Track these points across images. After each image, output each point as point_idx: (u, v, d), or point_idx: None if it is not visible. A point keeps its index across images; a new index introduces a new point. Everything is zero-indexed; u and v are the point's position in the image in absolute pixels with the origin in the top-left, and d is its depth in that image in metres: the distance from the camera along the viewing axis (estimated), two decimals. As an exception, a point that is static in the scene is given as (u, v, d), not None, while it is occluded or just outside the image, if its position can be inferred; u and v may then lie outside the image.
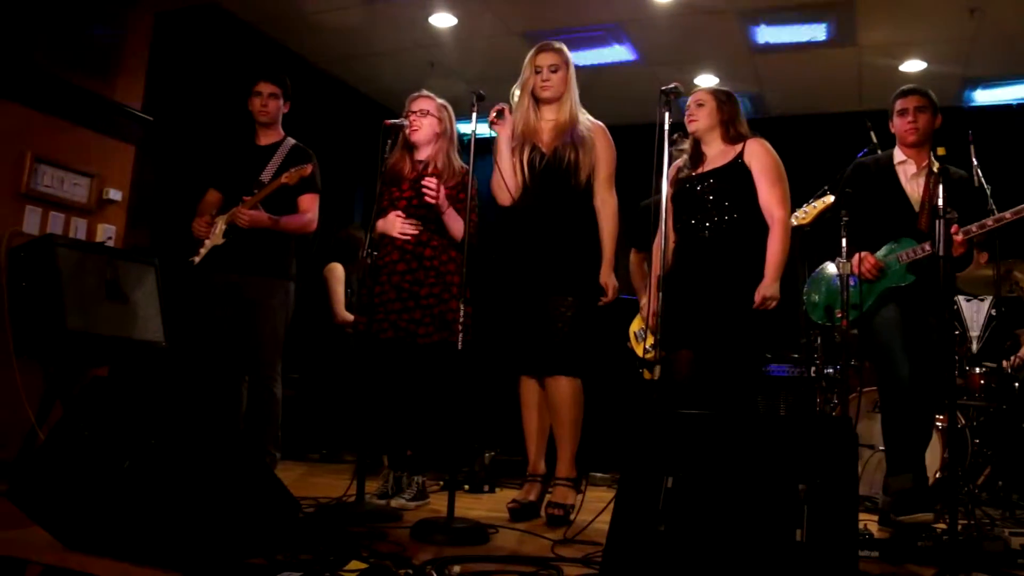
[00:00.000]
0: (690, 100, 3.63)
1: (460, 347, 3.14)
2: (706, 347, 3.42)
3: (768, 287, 3.36)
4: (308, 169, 4.01)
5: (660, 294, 2.99)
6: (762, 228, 3.47)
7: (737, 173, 3.50)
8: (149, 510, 2.34)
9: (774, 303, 3.36)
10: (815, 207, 4.34)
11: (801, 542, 1.89)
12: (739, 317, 3.38)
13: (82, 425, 2.72)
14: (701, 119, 3.58)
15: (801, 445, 2.07)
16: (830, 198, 4.33)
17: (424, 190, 3.63)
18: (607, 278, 3.57)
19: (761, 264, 3.41)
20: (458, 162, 3.91)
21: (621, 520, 2.10)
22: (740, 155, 3.53)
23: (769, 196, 3.47)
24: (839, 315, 3.41)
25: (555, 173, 3.57)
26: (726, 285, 3.41)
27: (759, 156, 3.51)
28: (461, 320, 3.16)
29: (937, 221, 2.73)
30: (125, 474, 2.43)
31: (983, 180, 4.27)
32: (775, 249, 3.41)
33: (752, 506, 1.99)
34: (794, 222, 4.21)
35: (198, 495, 2.45)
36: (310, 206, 4.23)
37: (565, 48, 3.68)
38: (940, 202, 2.74)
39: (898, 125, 3.62)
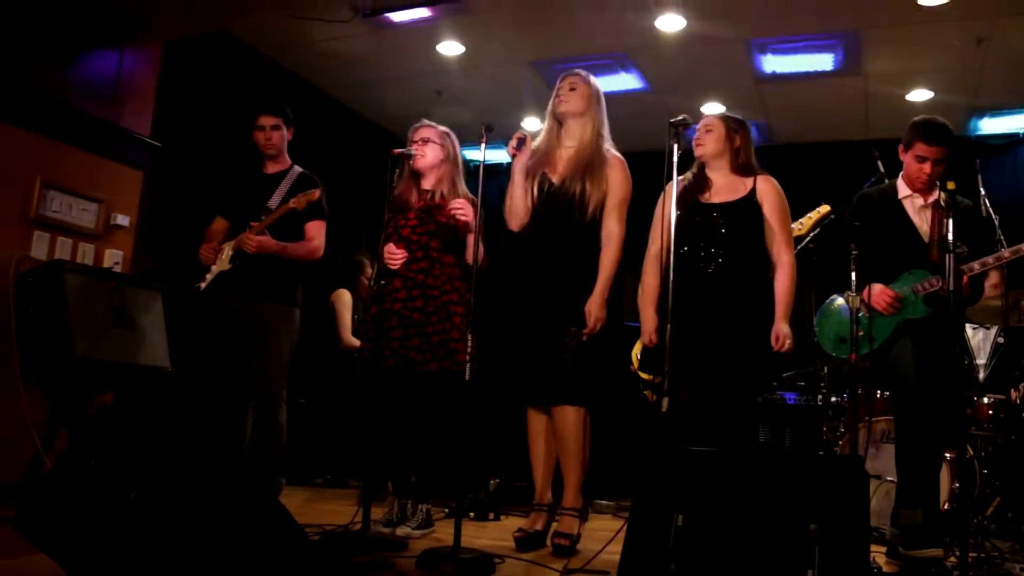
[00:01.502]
0: (699, 125, 3.62)
1: (468, 377, 3.14)
2: (705, 383, 3.40)
3: (781, 327, 3.36)
4: (316, 194, 4.03)
5: (668, 326, 2.96)
6: (763, 267, 3.47)
7: (749, 211, 3.48)
8: (155, 541, 2.33)
9: (790, 342, 3.36)
10: (810, 217, 4.36)
11: (813, 582, 1.87)
12: (741, 355, 3.37)
13: (89, 454, 2.71)
14: (708, 144, 3.56)
15: (812, 484, 2.05)
16: (826, 208, 4.34)
17: (456, 212, 3.66)
18: (593, 307, 3.49)
19: (761, 302, 3.41)
20: (463, 188, 3.92)
21: (631, 558, 2.09)
22: (753, 192, 3.51)
23: (779, 239, 3.48)
24: (853, 347, 3.40)
25: (559, 204, 3.58)
26: (729, 323, 3.39)
27: (771, 197, 3.50)
28: (469, 350, 3.16)
29: (947, 256, 2.72)
30: (132, 505, 2.42)
31: (991, 210, 4.28)
32: (784, 290, 3.42)
33: (763, 545, 1.97)
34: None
35: (204, 526, 2.44)
36: (317, 233, 4.24)
37: (592, 77, 3.73)
38: (950, 236, 2.73)
39: (912, 168, 3.54)
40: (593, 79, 3.72)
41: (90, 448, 2.73)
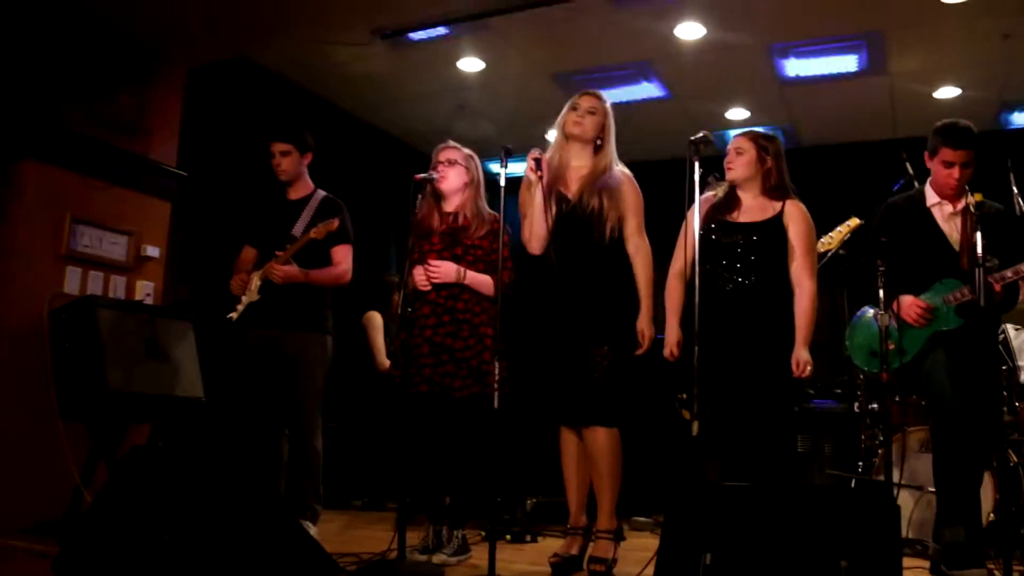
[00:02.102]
0: (730, 145, 3.56)
1: (496, 405, 3.13)
2: (723, 402, 3.35)
3: (801, 352, 3.32)
4: (335, 224, 4.02)
5: (696, 348, 2.93)
6: (785, 290, 3.42)
7: (774, 233, 3.44)
8: (189, 584, 2.35)
9: (810, 368, 3.32)
10: (840, 231, 4.32)
11: (846, 622, 1.83)
12: (760, 376, 3.33)
13: (124, 496, 2.74)
14: (738, 168, 3.51)
15: (841, 518, 2.02)
16: (855, 221, 4.28)
17: (430, 275, 3.69)
18: (644, 326, 3.51)
19: (782, 323, 3.36)
20: (487, 209, 3.91)
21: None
22: (780, 215, 3.46)
23: (801, 265, 3.42)
24: (883, 366, 3.34)
25: (578, 222, 3.56)
26: (746, 342, 3.36)
27: (797, 221, 3.45)
28: (497, 376, 3.15)
29: (976, 269, 2.67)
30: (166, 546, 2.45)
31: (1024, 208, 4.20)
32: (804, 316, 3.36)
33: (794, 583, 1.94)
34: (820, 248, 4.17)
35: (237, 567, 2.46)
36: (343, 258, 4.25)
37: (608, 100, 3.69)
38: (979, 250, 2.68)
39: (940, 175, 3.49)
40: (608, 103, 3.69)
41: (124, 489, 2.77)
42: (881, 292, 3.32)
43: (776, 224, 3.45)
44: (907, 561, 2.35)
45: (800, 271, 3.42)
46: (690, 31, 5.26)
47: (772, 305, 3.40)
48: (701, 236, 3.23)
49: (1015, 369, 4.78)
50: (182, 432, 4.42)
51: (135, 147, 4.93)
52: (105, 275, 4.68)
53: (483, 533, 4.26)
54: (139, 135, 4.97)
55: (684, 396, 4.57)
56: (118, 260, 4.75)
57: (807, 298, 3.38)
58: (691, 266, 3.16)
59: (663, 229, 3.73)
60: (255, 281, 4.15)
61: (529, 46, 5.58)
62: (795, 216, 3.46)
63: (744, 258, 3.43)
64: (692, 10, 5.05)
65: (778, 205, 3.49)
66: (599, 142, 3.64)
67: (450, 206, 3.89)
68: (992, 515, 3.97)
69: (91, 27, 4.69)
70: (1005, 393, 4.36)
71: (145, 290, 4.85)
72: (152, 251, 4.90)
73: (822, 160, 6.66)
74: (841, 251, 4.40)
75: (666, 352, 3.54)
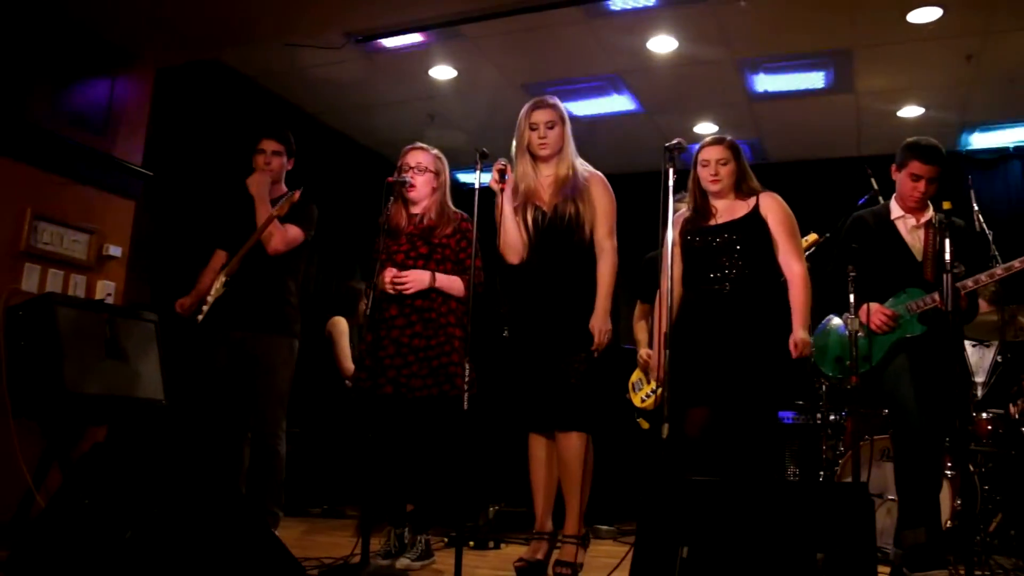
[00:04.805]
0: (710, 156, 3.59)
1: (466, 406, 3.11)
2: (727, 404, 3.39)
3: (800, 334, 3.37)
4: (296, 195, 4.02)
5: (667, 351, 2.94)
6: (778, 282, 3.47)
7: (755, 227, 3.50)
8: (151, 582, 2.30)
9: (808, 349, 3.37)
10: None
11: (821, 615, 1.84)
12: (763, 373, 3.37)
13: (82, 494, 2.68)
14: (725, 178, 3.56)
15: (817, 512, 2.03)
16: (813, 236, 4.35)
17: (400, 288, 3.65)
18: (599, 323, 3.44)
19: (779, 318, 3.40)
20: (452, 208, 3.89)
21: (636, 592, 2.06)
22: (756, 208, 3.53)
23: (787, 251, 3.49)
24: (850, 366, 3.39)
25: (558, 231, 3.55)
26: (749, 340, 3.40)
27: (775, 210, 3.52)
28: (467, 377, 3.13)
29: (944, 275, 2.71)
30: (127, 545, 2.39)
31: (984, 225, 4.28)
32: (800, 300, 3.42)
33: (770, 576, 1.95)
34: None
35: (201, 565, 2.40)
36: (296, 233, 4.21)
37: (559, 102, 3.67)
38: (948, 256, 2.72)
39: (906, 187, 3.56)
40: (562, 106, 3.67)
41: (83, 487, 2.70)
42: (852, 297, 3.36)
43: (755, 218, 3.51)
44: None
45: (788, 256, 3.48)
46: (662, 44, 5.30)
47: (767, 299, 3.46)
48: (684, 248, 3.37)
49: (972, 384, 4.86)
50: (141, 434, 4.34)
51: (100, 144, 4.84)
52: (65, 273, 4.58)
53: (445, 540, 4.23)
54: (105, 133, 4.89)
55: (649, 400, 4.59)
56: (79, 258, 4.65)
57: (799, 283, 3.44)
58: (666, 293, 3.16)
59: (628, 242, 3.73)
60: (221, 278, 4.12)
61: (502, 55, 5.60)
62: (771, 206, 3.53)
63: (733, 257, 3.49)
64: (665, 24, 5.10)
65: (752, 201, 3.56)
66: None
67: (418, 208, 3.87)
68: (949, 522, 4.03)
69: (59, 21, 4.60)
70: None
71: (106, 290, 4.75)
72: (114, 250, 4.81)
73: (788, 176, 6.71)
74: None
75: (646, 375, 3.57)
